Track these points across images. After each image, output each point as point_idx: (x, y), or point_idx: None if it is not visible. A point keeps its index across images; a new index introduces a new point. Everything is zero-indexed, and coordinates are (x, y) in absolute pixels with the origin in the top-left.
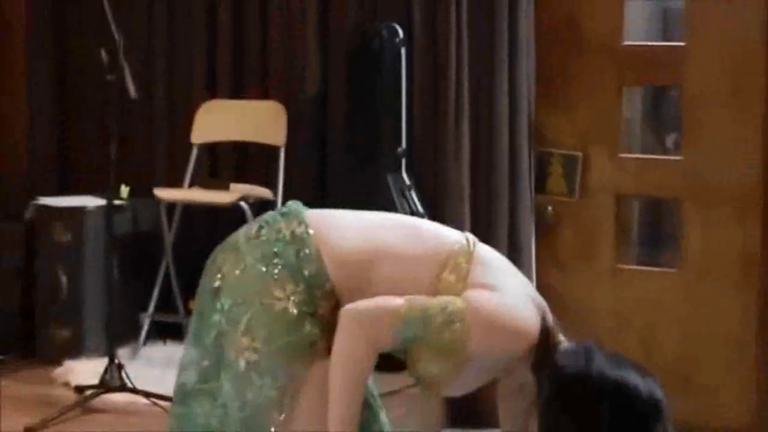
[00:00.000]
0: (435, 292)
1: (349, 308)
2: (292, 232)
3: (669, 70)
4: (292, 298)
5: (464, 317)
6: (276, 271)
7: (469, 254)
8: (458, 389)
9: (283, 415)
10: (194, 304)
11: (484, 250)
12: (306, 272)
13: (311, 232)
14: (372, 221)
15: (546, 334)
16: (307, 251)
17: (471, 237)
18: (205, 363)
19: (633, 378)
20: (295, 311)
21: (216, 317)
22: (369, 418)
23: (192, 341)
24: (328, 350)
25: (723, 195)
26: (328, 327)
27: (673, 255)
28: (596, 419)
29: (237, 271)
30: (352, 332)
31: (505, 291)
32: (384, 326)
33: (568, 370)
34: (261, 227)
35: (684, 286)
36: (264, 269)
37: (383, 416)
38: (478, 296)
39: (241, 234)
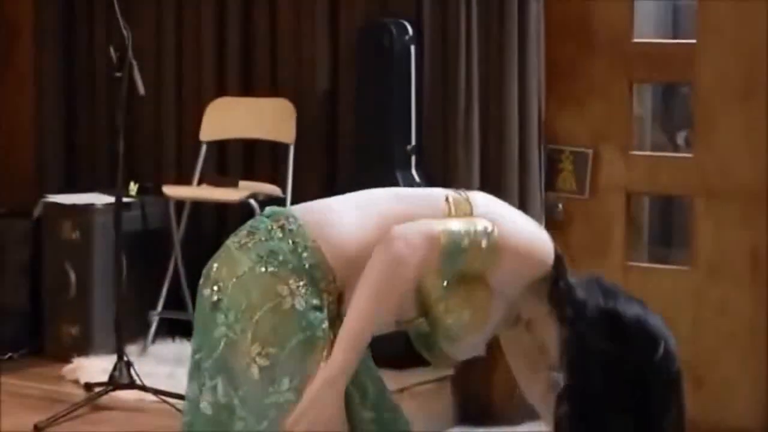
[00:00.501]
0: None
1: (397, 229)
2: (282, 228)
3: (680, 68)
4: (297, 293)
5: (493, 233)
6: (275, 269)
7: (465, 198)
8: (476, 340)
9: None
10: (194, 322)
11: (478, 194)
12: (306, 264)
13: (302, 223)
14: (359, 197)
15: (559, 260)
16: (302, 243)
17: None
18: (208, 398)
19: (651, 316)
20: (303, 305)
21: (222, 330)
22: (395, 416)
23: (192, 371)
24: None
25: (734, 192)
26: (334, 322)
27: (683, 252)
28: (620, 354)
29: (234, 279)
30: (400, 251)
31: (516, 217)
32: (433, 250)
33: (590, 303)
34: (250, 232)
35: (695, 283)
36: (263, 269)
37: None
38: (496, 218)
39: (230, 242)
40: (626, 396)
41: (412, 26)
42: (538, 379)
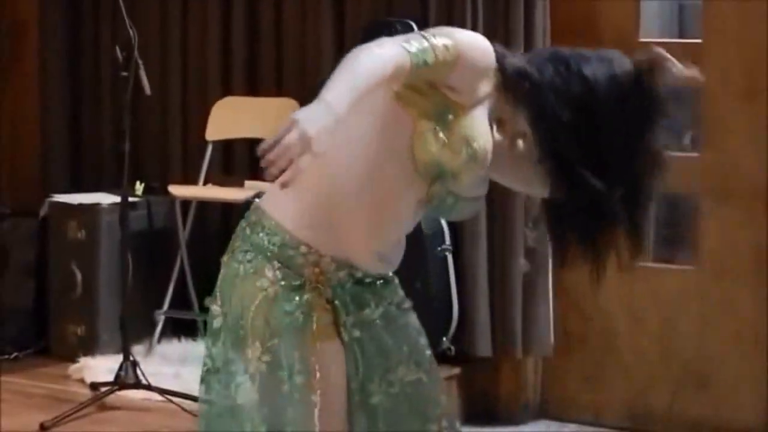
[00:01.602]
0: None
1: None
2: (250, 223)
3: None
4: (276, 280)
5: (446, 33)
6: (249, 263)
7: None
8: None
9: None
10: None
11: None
12: (273, 247)
13: (263, 208)
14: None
15: (497, 49)
16: (264, 227)
17: None
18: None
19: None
20: (282, 287)
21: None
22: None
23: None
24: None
25: (739, 192)
26: (319, 295)
27: (689, 252)
28: (570, 80)
29: (222, 284)
30: (372, 47)
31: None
32: (404, 57)
33: (533, 61)
34: (232, 240)
35: (701, 283)
36: (239, 267)
37: None
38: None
39: (224, 257)
40: (593, 130)
41: (417, 26)
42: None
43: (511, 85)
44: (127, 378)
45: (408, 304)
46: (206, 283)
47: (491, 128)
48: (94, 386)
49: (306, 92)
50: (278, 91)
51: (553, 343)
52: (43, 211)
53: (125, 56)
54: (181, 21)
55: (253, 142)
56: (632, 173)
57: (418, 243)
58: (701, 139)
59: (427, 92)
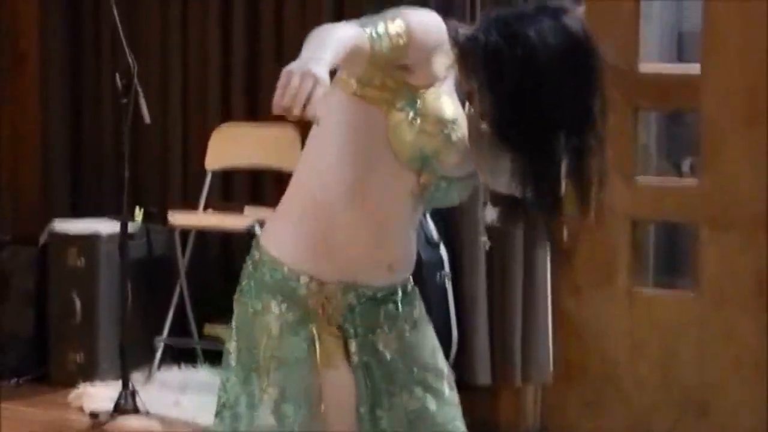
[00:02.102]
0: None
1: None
2: (253, 259)
3: (685, 95)
4: (280, 315)
5: (399, 14)
6: (256, 300)
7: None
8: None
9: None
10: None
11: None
12: (273, 282)
13: (263, 244)
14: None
15: (451, 26)
16: (263, 262)
17: None
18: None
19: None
20: (288, 322)
21: (238, 383)
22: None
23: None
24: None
25: (739, 219)
26: (327, 323)
27: (689, 279)
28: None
29: (235, 322)
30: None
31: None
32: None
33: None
34: (240, 280)
35: (701, 309)
36: (248, 304)
37: None
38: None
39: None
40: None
41: None
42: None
43: (462, 55)
44: (127, 406)
45: (424, 318)
46: (205, 310)
47: (463, 104)
48: (94, 414)
49: (306, 119)
50: (278, 118)
51: (552, 370)
52: (43, 239)
53: (125, 84)
54: (181, 48)
55: (253, 170)
56: (579, 126)
57: (418, 270)
58: (701, 165)
59: (388, 85)
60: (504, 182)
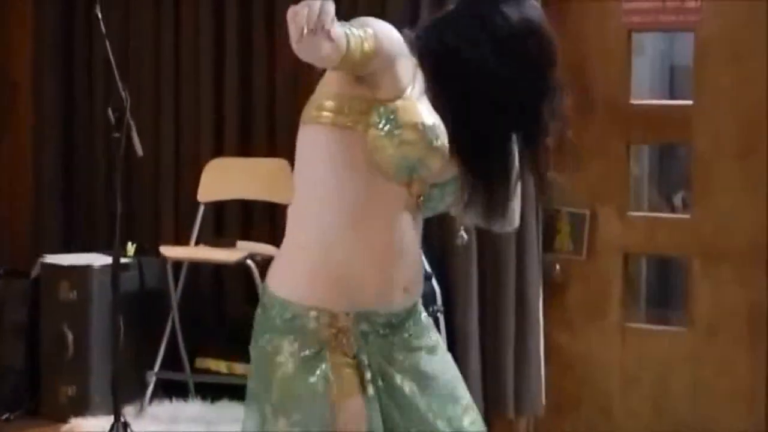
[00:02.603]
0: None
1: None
2: (262, 304)
3: (677, 129)
4: (293, 353)
5: (366, 23)
6: (269, 343)
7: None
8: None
9: None
10: None
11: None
12: (286, 322)
13: (269, 287)
14: None
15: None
16: (271, 303)
17: None
18: None
19: None
20: (302, 359)
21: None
22: None
23: None
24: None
25: (731, 253)
26: (342, 354)
27: (681, 313)
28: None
29: (253, 365)
30: None
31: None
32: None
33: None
34: (254, 325)
35: (693, 344)
36: (262, 348)
37: None
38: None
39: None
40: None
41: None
42: None
43: (421, 62)
44: None
45: (440, 346)
46: (197, 343)
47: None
48: None
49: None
50: (270, 152)
51: (545, 403)
52: (34, 272)
53: (117, 117)
54: (173, 81)
55: (245, 203)
56: (531, 118)
57: None
58: (693, 199)
59: (359, 109)
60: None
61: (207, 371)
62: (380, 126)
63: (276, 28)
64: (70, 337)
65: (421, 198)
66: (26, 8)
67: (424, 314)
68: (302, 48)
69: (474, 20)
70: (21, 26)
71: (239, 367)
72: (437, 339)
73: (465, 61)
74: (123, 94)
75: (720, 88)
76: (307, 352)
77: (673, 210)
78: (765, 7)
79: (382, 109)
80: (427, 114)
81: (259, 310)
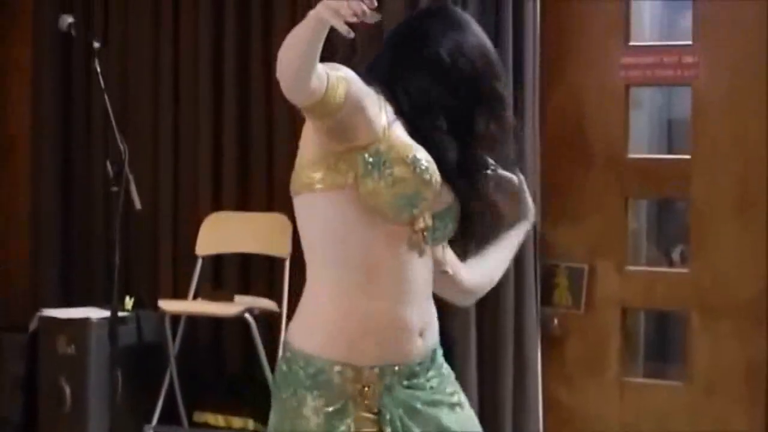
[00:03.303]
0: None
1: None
2: (285, 359)
3: (675, 183)
4: (317, 407)
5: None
6: (293, 397)
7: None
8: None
9: None
10: None
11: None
12: (310, 377)
13: (291, 342)
14: None
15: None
16: (298, 360)
17: None
18: None
19: None
20: (326, 415)
21: None
22: None
23: None
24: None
25: (730, 308)
26: (365, 410)
27: (680, 368)
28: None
29: (276, 423)
30: None
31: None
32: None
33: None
34: (275, 381)
35: (691, 399)
36: (285, 404)
37: None
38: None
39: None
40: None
41: None
42: None
43: (389, 98)
44: None
45: (463, 402)
46: (195, 397)
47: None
48: None
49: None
50: (269, 206)
51: None
52: (32, 326)
53: (116, 171)
54: (172, 134)
55: (243, 257)
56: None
57: None
58: (691, 253)
59: (343, 167)
60: None
61: (205, 425)
62: (369, 173)
63: (273, 82)
64: (67, 390)
65: (426, 232)
66: (25, 60)
67: (446, 366)
68: (292, 85)
69: (429, 53)
70: (19, 78)
71: (237, 421)
72: (460, 395)
73: (434, 98)
74: (121, 147)
75: (718, 143)
76: (331, 408)
77: (671, 264)
78: (762, 61)
79: (366, 156)
80: (409, 146)
81: (282, 365)
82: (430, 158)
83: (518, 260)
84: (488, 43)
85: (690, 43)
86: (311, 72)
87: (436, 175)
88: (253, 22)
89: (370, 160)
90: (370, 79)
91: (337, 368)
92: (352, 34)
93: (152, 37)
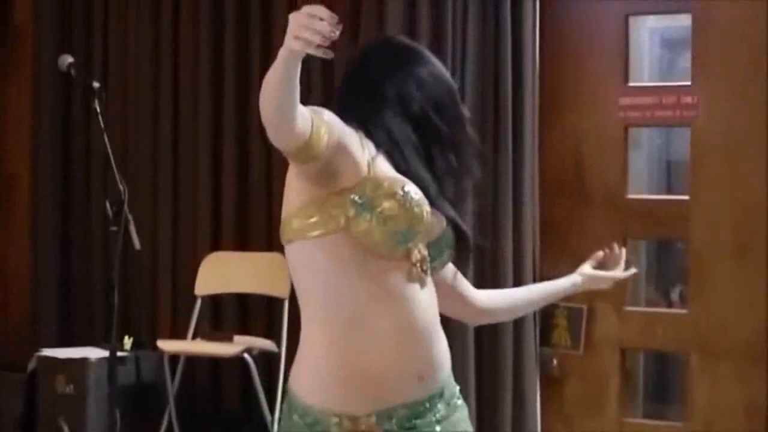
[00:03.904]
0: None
1: None
2: (288, 403)
3: (674, 224)
4: None
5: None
6: None
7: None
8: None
9: None
10: None
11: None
12: (308, 427)
13: (292, 389)
14: None
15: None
16: (297, 408)
17: None
18: None
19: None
20: None
21: None
22: None
23: None
24: None
25: (729, 349)
26: None
27: (679, 408)
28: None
29: None
30: None
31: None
32: None
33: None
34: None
35: None
36: None
37: None
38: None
39: None
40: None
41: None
42: None
43: (367, 134)
44: None
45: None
46: None
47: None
48: None
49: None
50: (268, 246)
51: None
52: (31, 365)
53: (115, 211)
54: (171, 174)
55: (242, 297)
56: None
57: None
58: (690, 294)
59: (333, 212)
60: None
61: None
62: (360, 213)
63: None
64: (66, 430)
65: (423, 264)
66: (24, 99)
67: (459, 401)
68: (277, 125)
69: (389, 93)
70: (19, 117)
71: None
72: (467, 424)
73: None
74: (121, 187)
75: (717, 184)
76: None
77: (670, 305)
78: (761, 102)
79: (354, 197)
80: (397, 180)
81: (285, 408)
82: (418, 190)
83: None
84: (441, 67)
85: (689, 83)
86: (293, 108)
87: (426, 206)
88: (252, 63)
89: (359, 200)
90: (343, 118)
91: (334, 419)
92: (330, 55)
93: (152, 77)
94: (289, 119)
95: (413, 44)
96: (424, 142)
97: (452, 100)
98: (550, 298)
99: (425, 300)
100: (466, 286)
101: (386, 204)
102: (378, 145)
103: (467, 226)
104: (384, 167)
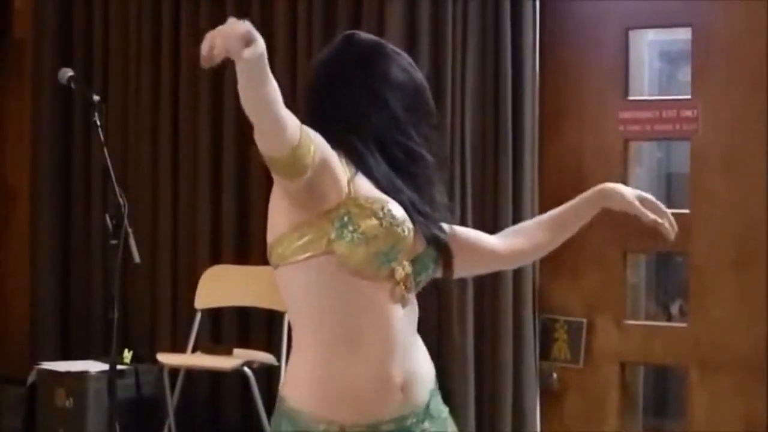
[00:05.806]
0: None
1: None
2: (279, 409)
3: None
4: None
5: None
6: None
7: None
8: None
9: None
10: None
11: None
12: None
13: (283, 395)
14: None
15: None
16: (288, 414)
17: None
18: None
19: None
20: None
21: None
22: None
23: None
24: None
25: (729, 363)
26: None
27: (679, 422)
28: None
29: None
30: None
31: None
32: None
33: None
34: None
35: None
36: None
37: None
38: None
39: None
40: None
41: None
42: None
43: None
44: None
45: None
46: None
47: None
48: None
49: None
50: (267, 260)
51: None
52: (30, 379)
53: (115, 224)
54: (171, 188)
55: (242, 310)
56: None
57: None
58: (690, 308)
59: (315, 237)
60: None
61: None
62: (342, 236)
63: None
64: None
65: (407, 281)
66: (24, 113)
67: (444, 416)
68: (264, 125)
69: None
70: (19, 131)
71: None
72: None
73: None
74: (121, 200)
75: (717, 197)
76: None
77: (670, 319)
78: (761, 115)
79: (336, 219)
80: (378, 199)
81: (275, 415)
82: (400, 208)
83: (516, 314)
84: (407, 60)
85: (689, 97)
86: (274, 103)
87: (408, 224)
88: None
89: (341, 221)
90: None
91: (322, 426)
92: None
93: (152, 91)
94: (274, 115)
95: (370, 44)
96: (399, 154)
97: (422, 98)
98: (574, 213)
99: (406, 317)
100: (488, 242)
101: (367, 224)
102: (356, 164)
103: (445, 235)
104: (365, 186)
